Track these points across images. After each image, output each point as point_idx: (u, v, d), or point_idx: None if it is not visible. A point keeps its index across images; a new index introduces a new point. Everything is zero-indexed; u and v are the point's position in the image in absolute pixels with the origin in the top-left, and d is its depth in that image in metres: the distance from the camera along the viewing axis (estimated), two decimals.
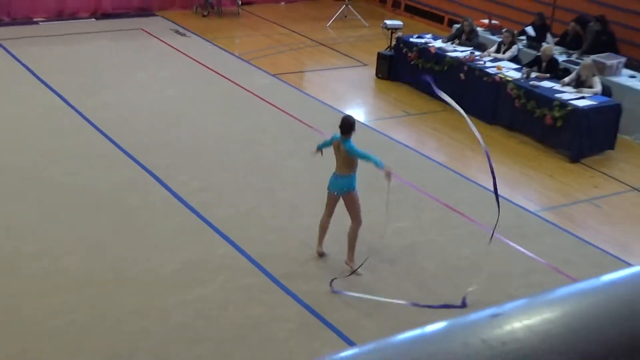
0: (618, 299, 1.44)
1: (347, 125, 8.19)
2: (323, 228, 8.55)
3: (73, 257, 8.37)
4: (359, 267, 8.09)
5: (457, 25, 14.92)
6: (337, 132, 8.32)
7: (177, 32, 16.66)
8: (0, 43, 15.09)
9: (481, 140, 7.58)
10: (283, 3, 19.60)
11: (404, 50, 14.27)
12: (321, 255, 8.56)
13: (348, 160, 8.19)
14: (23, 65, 13.94)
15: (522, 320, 1.20)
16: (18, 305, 7.53)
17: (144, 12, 17.90)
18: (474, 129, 7.65)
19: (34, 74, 13.50)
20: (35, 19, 16.82)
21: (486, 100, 12.78)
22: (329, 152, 8.53)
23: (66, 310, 7.50)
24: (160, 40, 16.02)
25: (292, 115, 12.49)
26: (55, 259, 8.32)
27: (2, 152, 10.59)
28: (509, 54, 13.53)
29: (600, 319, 1.29)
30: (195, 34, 16.57)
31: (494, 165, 7.67)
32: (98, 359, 6.92)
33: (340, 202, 8.38)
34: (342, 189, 8.24)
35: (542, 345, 1.17)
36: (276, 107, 12.80)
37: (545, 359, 1.17)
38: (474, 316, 1.27)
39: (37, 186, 9.73)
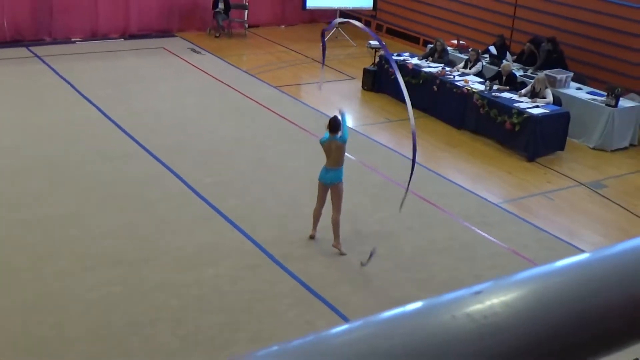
0: (575, 279, 1.46)
1: (336, 124, 8.24)
2: (316, 216, 8.56)
3: (107, 240, 8.33)
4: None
5: (431, 45, 14.88)
6: (326, 134, 8.28)
7: (193, 50, 16.57)
8: (43, 59, 15.01)
9: (412, 122, 7.68)
10: (283, 26, 19.52)
11: (386, 66, 14.21)
12: (312, 237, 8.56)
13: (339, 154, 8.22)
14: (63, 78, 13.85)
15: (500, 297, 1.18)
16: (61, 281, 7.49)
17: (165, 33, 17.80)
18: (410, 111, 7.72)
19: (73, 87, 13.41)
20: (73, 39, 16.72)
21: (455, 109, 12.75)
22: (320, 151, 8.49)
23: (101, 285, 7.45)
24: (179, 57, 15.94)
25: (291, 121, 12.44)
26: (93, 241, 8.28)
27: (51, 152, 10.52)
28: (474, 69, 13.50)
29: (563, 295, 1.28)
30: (209, 52, 16.49)
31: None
32: (127, 325, 6.87)
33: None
34: (333, 180, 8.22)
35: (517, 319, 1.16)
36: (278, 114, 12.74)
37: (520, 330, 1.15)
38: (458, 293, 1.25)
39: (79, 180, 9.67)
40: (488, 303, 1.14)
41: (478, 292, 1.18)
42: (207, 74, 14.82)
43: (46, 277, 7.54)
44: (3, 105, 12.23)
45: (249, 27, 18.68)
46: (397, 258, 8.40)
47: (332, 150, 8.23)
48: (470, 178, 10.85)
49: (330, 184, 8.30)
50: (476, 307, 1.14)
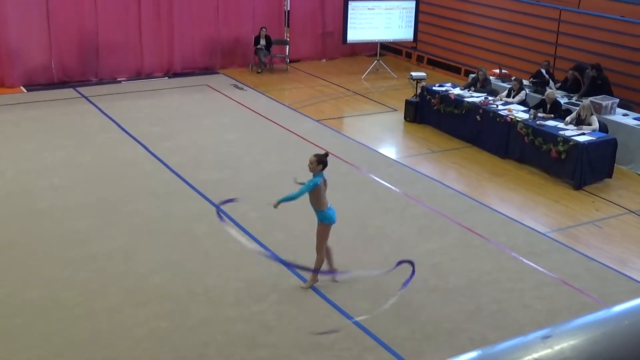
0: None
1: (327, 161, 7.97)
2: (329, 254, 8.35)
3: (154, 276, 8.37)
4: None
5: (473, 75, 14.81)
6: (322, 173, 8.06)
7: (236, 86, 16.76)
8: (90, 99, 15.31)
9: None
10: (324, 60, 19.65)
11: (428, 97, 14.19)
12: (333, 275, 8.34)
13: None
14: (109, 118, 14.10)
15: (569, 341, 1.12)
16: (112, 317, 7.53)
17: (208, 70, 18.06)
18: None
19: (119, 125, 13.64)
20: (118, 79, 17.05)
21: (499, 138, 12.63)
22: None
23: (149, 321, 7.48)
24: (222, 93, 16.13)
25: (334, 154, 12.43)
26: (141, 277, 8.34)
27: (99, 190, 10.67)
28: (517, 98, 13.37)
29: (635, 338, 1.21)
30: (251, 88, 16.65)
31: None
32: None
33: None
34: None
35: None
36: (320, 148, 12.74)
37: None
38: (526, 339, 1.19)
39: (127, 218, 9.78)
40: (558, 348, 1.09)
41: (546, 337, 1.12)
42: (249, 109, 14.95)
43: (97, 313, 7.59)
44: (52, 145, 12.48)
45: (290, 62, 18.86)
46: (445, 290, 8.27)
47: (325, 189, 7.99)
48: (517, 207, 10.69)
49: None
50: (546, 352, 1.08)
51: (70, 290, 7.99)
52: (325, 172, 8.03)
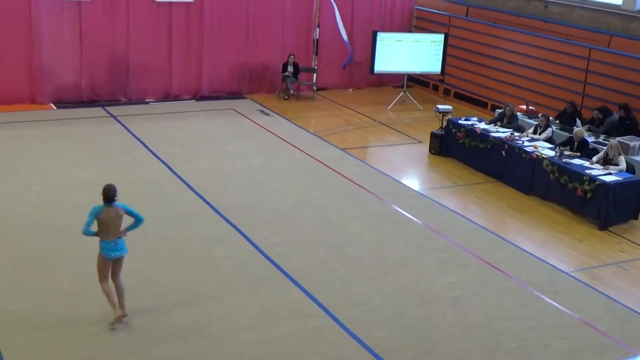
0: None
1: (112, 193, 7.66)
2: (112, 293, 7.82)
3: (171, 296, 8.40)
4: None
5: (500, 110, 14.80)
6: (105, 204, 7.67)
7: (262, 112, 16.88)
8: (118, 119, 15.50)
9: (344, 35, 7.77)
10: (351, 89, 19.75)
11: (453, 130, 14.19)
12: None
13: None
14: (137, 138, 14.24)
15: None
16: (129, 335, 7.55)
17: (236, 95, 18.22)
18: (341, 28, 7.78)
19: (146, 146, 13.78)
20: (147, 100, 17.25)
21: (524, 174, 12.58)
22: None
23: (166, 341, 7.49)
24: (248, 118, 16.25)
25: (357, 183, 12.46)
26: (158, 297, 8.38)
27: None
28: (544, 135, 13.33)
29: None
30: (278, 114, 16.76)
31: None
32: None
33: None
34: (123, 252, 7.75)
35: None
36: (344, 176, 12.79)
37: None
38: None
39: (147, 237, 9.79)
40: None
41: None
42: (275, 134, 15.04)
43: (115, 330, 7.62)
44: (79, 163, 12.62)
45: (317, 89, 18.98)
46: (464, 325, 8.21)
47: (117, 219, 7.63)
48: (540, 245, 10.61)
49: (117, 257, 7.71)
50: None
51: (88, 305, 8.03)
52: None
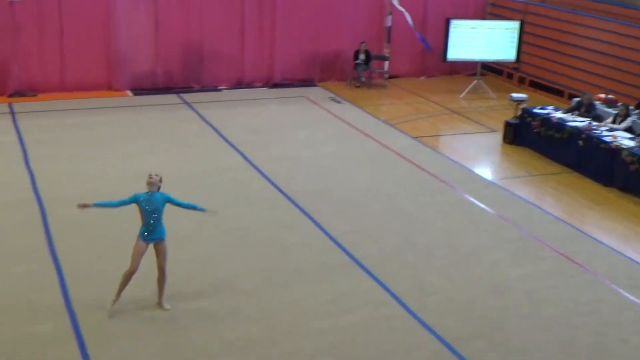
0: None
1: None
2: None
3: (244, 282, 8.51)
4: None
5: (577, 99, 14.43)
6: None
7: (333, 99, 16.89)
8: (192, 106, 15.76)
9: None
10: (423, 77, 19.56)
11: (528, 119, 13.91)
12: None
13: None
14: (209, 124, 14.46)
15: None
16: (199, 321, 7.70)
17: (307, 82, 18.28)
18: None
19: (218, 132, 13.97)
20: (220, 87, 17.48)
21: (602, 165, 12.23)
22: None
23: (238, 327, 7.60)
24: (320, 106, 16.28)
25: (428, 172, 12.36)
26: (230, 283, 8.50)
27: (196, 194, 10.91)
28: (624, 124, 12.93)
29: None
30: (349, 102, 16.75)
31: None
32: None
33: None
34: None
35: None
36: (415, 165, 12.70)
37: None
38: None
39: (220, 223, 9.96)
40: None
41: None
42: (346, 122, 15.03)
43: (186, 313, 7.78)
44: (154, 149, 12.89)
45: (389, 77, 18.87)
46: (538, 318, 8.06)
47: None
48: (618, 238, 10.31)
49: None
50: None
51: (167, 289, 8.20)
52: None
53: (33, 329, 7.39)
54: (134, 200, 7.68)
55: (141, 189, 7.81)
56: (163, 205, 7.71)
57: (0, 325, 7.43)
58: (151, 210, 7.62)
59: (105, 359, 7.00)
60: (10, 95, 15.78)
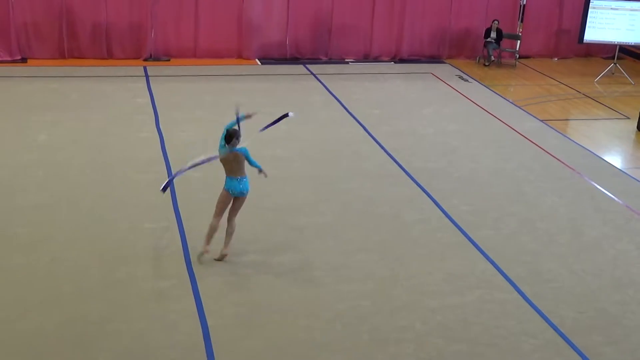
0: None
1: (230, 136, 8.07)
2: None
3: (361, 254, 8.62)
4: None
5: None
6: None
7: (460, 77, 16.64)
8: (318, 77, 15.95)
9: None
10: (556, 59, 18.91)
11: None
12: (206, 252, 8.17)
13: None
14: (334, 96, 14.60)
15: None
16: (316, 288, 7.88)
17: (435, 59, 18.08)
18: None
19: (342, 105, 14.10)
20: (346, 60, 17.58)
21: None
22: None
23: (352, 297, 7.72)
24: (446, 83, 16.09)
25: (555, 157, 12.01)
26: (347, 254, 8.62)
27: (317, 165, 11.16)
28: None
29: None
30: (476, 80, 16.45)
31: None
32: (372, 341, 7.04)
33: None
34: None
35: None
36: (541, 148, 12.37)
37: None
38: None
39: (339, 194, 10.11)
40: None
41: None
42: (472, 101, 14.79)
43: (302, 282, 7.98)
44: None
45: (519, 57, 18.37)
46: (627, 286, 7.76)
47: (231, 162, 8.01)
48: None
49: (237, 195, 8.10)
50: None
51: (282, 254, 8.45)
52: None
53: (157, 284, 7.81)
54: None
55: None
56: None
57: (128, 280, 7.87)
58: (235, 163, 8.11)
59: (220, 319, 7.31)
60: (145, 59, 16.50)
